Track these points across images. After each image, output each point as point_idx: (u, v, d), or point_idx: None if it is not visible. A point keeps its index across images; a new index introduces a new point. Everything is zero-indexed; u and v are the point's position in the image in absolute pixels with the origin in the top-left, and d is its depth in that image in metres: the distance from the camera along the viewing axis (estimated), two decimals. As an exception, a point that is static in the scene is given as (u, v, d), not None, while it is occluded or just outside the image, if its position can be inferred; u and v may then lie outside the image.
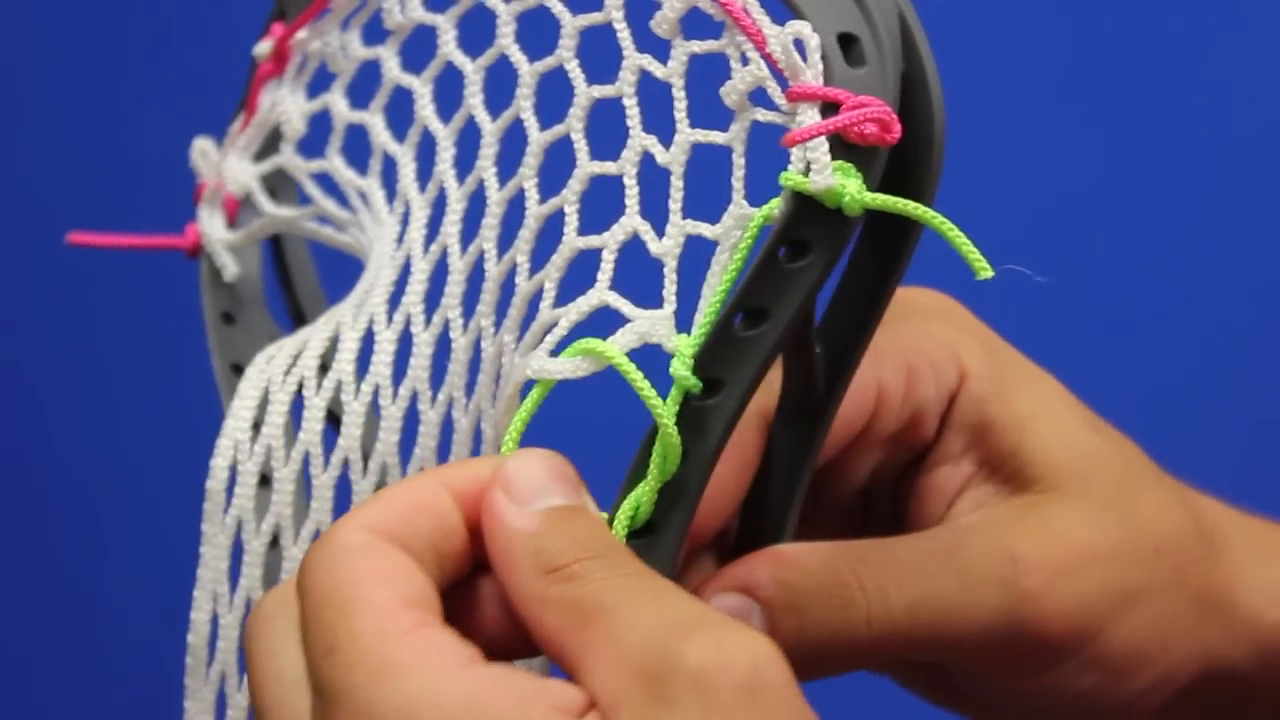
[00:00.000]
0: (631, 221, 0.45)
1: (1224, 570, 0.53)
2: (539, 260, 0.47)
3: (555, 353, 0.44)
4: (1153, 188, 1.11)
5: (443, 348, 0.48)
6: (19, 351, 1.25)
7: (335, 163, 0.53)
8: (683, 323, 0.44)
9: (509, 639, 0.41)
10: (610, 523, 0.44)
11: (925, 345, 0.52)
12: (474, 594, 0.41)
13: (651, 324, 0.44)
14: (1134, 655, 0.50)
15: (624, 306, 0.44)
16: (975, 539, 0.49)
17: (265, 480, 0.48)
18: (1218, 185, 1.11)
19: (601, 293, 0.45)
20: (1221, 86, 1.10)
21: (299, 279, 0.57)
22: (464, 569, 0.41)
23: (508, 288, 0.47)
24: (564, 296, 0.46)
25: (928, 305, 0.53)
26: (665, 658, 0.37)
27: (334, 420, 0.49)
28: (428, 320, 0.48)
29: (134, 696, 1.16)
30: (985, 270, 0.42)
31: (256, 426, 0.48)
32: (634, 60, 0.46)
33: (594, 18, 0.47)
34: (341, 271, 0.58)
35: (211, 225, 0.55)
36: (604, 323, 0.45)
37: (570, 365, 0.43)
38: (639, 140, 0.46)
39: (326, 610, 0.39)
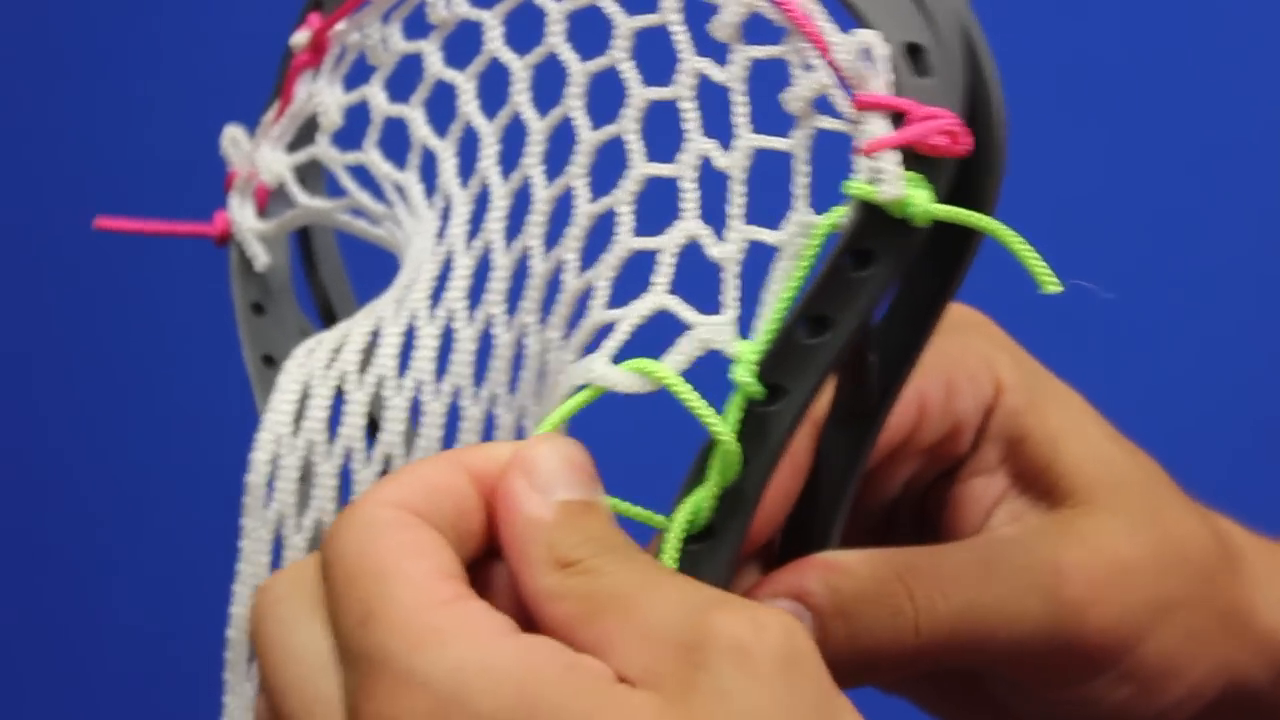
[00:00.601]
0: (689, 225, 0.45)
1: (1242, 585, 0.54)
2: (588, 259, 0.47)
3: (617, 359, 0.44)
4: (1152, 190, 1.12)
5: (485, 344, 0.48)
6: (46, 342, 1.24)
7: (373, 156, 0.52)
8: (740, 329, 0.44)
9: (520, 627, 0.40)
10: (669, 525, 0.43)
11: (964, 359, 0.53)
12: (484, 581, 0.41)
13: (713, 330, 0.43)
14: (1167, 668, 0.51)
15: (684, 312, 0.44)
16: (1018, 551, 0.50)
17: (304, 476, 0.47)
18: (1217, 188, 1.11)
19: (660, 296, 0.44)
20: (1221, 87, 1.11)
21: (326, 271, 0.56)
22: (479, 550, 0.41)
23: (553, 285, 0.47)
24: (615, 298, 0.46)
25: (962, 320, 0.54)
26: (698, 630, 0.37)
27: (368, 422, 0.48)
28: (470, 316, 0.48)
29: (169, 693, 1.15)
30: (1053, 284, 0.42)
31: (297, 421, 0.47)
32: (692, 63, 0.45)
33: (649, 19, 0.46)
34: (367, 263, 0.57)
35: (243, 214, 0.55)
36: (660, 325, 0.44)
37: (632, 379, 0.43)
38: (697, 144, 0.45)
39: (360, 581, 0.38)
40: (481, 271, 0.48)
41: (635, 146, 0.46)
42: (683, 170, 0.45)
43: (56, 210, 1.22)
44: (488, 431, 0.47)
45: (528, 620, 0.39)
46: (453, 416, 0.47)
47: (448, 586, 0.38)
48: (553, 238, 0.47)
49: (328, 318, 0.56)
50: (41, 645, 1.26)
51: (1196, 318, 1.12)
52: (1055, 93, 1.12)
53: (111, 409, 1.25)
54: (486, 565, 0.41)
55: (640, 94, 0.46)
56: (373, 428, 0.48)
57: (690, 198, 0.45)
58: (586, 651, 0.38)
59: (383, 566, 0.38)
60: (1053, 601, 0.49)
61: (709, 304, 0.44)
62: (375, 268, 0.56)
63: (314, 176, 0.55)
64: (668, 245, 0.45)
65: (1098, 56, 1.12)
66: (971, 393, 0.52)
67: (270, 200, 0.55)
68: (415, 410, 0.47)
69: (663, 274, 0.45)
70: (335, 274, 0.56)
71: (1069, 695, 0.51)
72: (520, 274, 0.47)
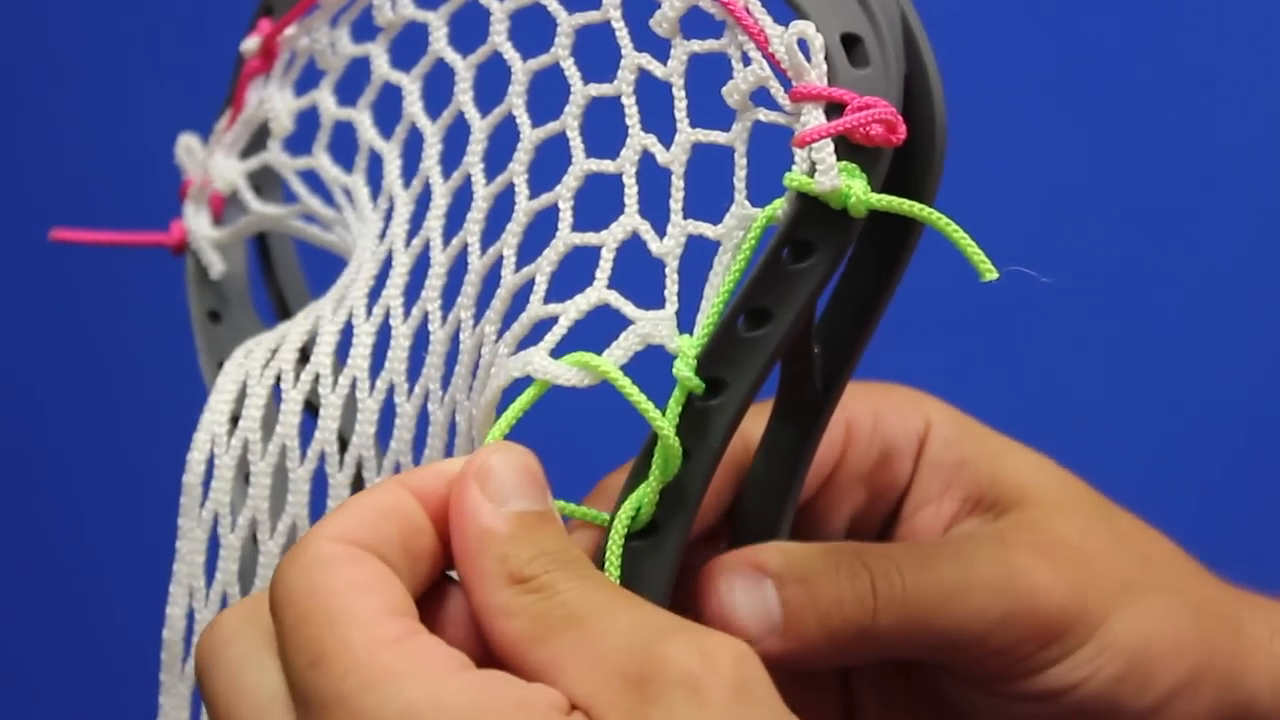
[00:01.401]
0: (631, 220, 0.45)
1: (1221, 594, 0.54)
2: (526, 255, 0.46)
3: (556, 354, 0.43)
4: (1146, 189, 1.11)
5: (421, 340, 0.47)
6: (7, 353, 1.24)
7: (321, 160, 0.52)
8: (683, 323, 0.43)
9: (476, 651, 0.40)
10: (611, 523, 0.43)
11: (890, 397, 0.54)
12: (439, 603, 0.41)
13: (654, 325, 0.43)
14: (1148, 646, 0.50)
15: (625, 307, 0.44)
16: (968, 538, 0.51)
17: (242, 474, 0.47)
18: (1215, 187, 1.10)
19: (601, 291, 0.44)
20: (1220, 87, 1.10)
21: (284, 277, 0.56)
22: (436, 570, 0.41)
23: (490, 281, 0.47)
24: (554, 293, 0.45)
25: (886, 383, 0.55)
26: (649, 660, 0.37)
27: (314, 411, 0.48)
28: (406, 313, 0.47)
29: (109, 692, 1.14)
30: (990, 272, 0.42)
31: (234, 420, 0.47)
32: (633, 59, 0.45)
33: (591, 16, 0.46)
34: (327, 269, 0.57)
35: (198, 223, 0.55)
36: (602, 321, 0.44)
37: (574, 373, 0.43)
38: (638, 139, 0.45)
39: (310, 622, 0.38)
40: (421, 269, 0.48)
41: (576, 142, 0.46)
42: (625, 166, 0.45)
43: (11, 220, 1.22)
44: (421, 426, 0.47)
45: (480, 635, 0.39)
46: (389, 413, 0.47)
47: (397, 624, 0.38)
48: (492, 235, 0.47)
49: (286, 323, 0.56)
50: (12, 642, 1.26)
51: (1192, 318, 1.11)
52: (1048, 91, 1.12)
53: (78, 414, 1.25)
54: (442, 587, 0.41)
55: (582, 91, 0.46)
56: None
57: (632, 193, 0.45)
58: (537, 673, 0.38)
59: (330, 606, 0.38)
60: (1002, 566, 0.49)
61: (651, 299, 0.44)
62: (333, 272, 0.56)
63: (271, 183, 0.55)
64: (609, 240, 0.45)
65: (1093, 54, 1.11)
66: (899, 421, 0.53)
67: (225, 208, 0.55)
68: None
69: (604, 269, 0.44)
70: (293, 279, 0.56)
71: (1042, 683, 0.50)
72: (459, 271, 0.47)
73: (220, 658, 0.39)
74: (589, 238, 0.45)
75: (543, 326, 0.44)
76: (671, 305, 0.44)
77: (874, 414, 0.52)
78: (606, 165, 0.46)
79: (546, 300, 0.45)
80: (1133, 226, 1.10)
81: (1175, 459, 1.05)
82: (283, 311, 0.56)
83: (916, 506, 0.53)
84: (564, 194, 0.46)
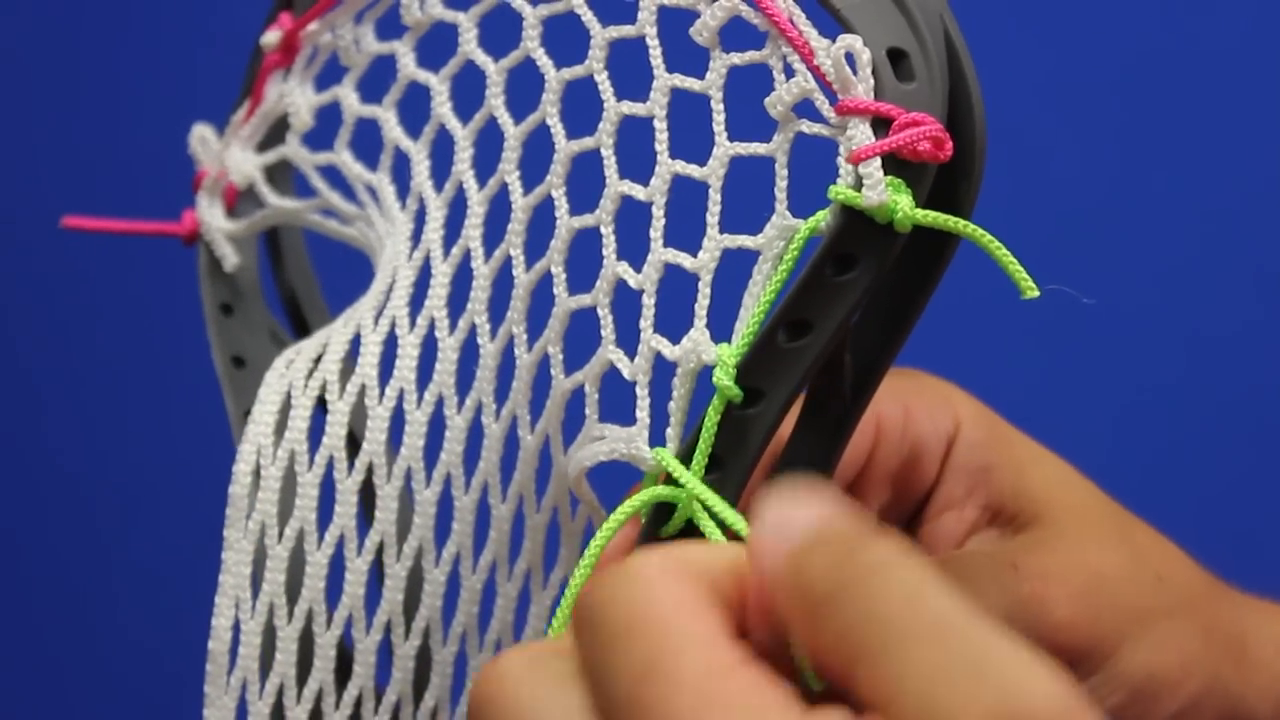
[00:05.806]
0: (664, 253, 0.45)
1: (1231, 609, 0.54)
2: (573, 269, 0.46)
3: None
4: (1150, 194, 1.12)
5: (468, 353, 0.47)
6: (16, 345, 1.23)
7: (344, 156, 0.52)
8: (721, 332, 0.44)
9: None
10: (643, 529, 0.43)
11: (921, 392, 0.53)
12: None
13: (694, 344, 0.43)
14: (1153, 678, 0.51)
15: (664, 348, 0.44)
16: (977, 556, 0.50)
17: (286, 486, 0.47)
18: (1216, 189, 1.11)
19: (652, 339, 0.45)
20: (1222, 88, 1.11)
21: (292, 269, 0.56)
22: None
23: (539, 296, 0.47)
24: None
25: (917, 371, 0.55)
26: (1018, 700, 0.32)
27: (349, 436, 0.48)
28: (453, 325, 0.47)
29: (152, 704, 1.14)
30: (1031, 290, 0.42)
31: (278, 431, 0.47)
32: (665, 81, 0.45)
33: (625, 30, 0.46)
34: (336, 264, 0.57)
35: (212, 214, 0.54)
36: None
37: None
38: (667, 166, 0.45)
39: (640, 632, 0.35)
40: (459, 277, 0.48)
41: (610, 162, 0.46)
42: (654, 195, 0.45)
43: (23, 208, 1.21)
44: (474, 439, 0.47)
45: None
46: (437, 424, 0.47)
47: (734, 650, 0.35)
48: (531, 245, 0.47)
49: (295, 317, 0.56)
50: (46, 653, 1.25)
51: (1202, 321, 1.13)
52: (1052, 96, 1.12)
53: (89, 410, 1.24)
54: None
55: (615, 108, 0.46)
56: (353, 437, 0.48)
57: (659, 224, 0.45)
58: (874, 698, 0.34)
59: (665, 619, 0.35)
60: (1010, 593, 0.49)
61: (682, 313, 0.44)
62: (342, 266, 0.56)
63: (282, 176, 0.55)
64: (647, 285, 0.45)
65: (1097, 59, 1.12)
66: (929, 420, 0.52)
67: (239, 200, 0.54)
68: (398, 419, 0.47)
69: (646, 315, 0.45)
70: (302, 272, 0.56)
71: None
72: (500, 282, 0.47)
73: (513, 701, 0.36)
74: (629, 273, 0.45)
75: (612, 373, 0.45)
76: (702, 320, 0.44)
77: (905, 411, 0.52)
78: (638, 190, 0.45)
79: (615, 336, 0.46)
80: (1136, 230, 1.11)
81: (1183, 460, 1.06)
82: (292, 304, 0.56)
83: (939, 510, 0.52)
84: (604, 218, 0.46)
